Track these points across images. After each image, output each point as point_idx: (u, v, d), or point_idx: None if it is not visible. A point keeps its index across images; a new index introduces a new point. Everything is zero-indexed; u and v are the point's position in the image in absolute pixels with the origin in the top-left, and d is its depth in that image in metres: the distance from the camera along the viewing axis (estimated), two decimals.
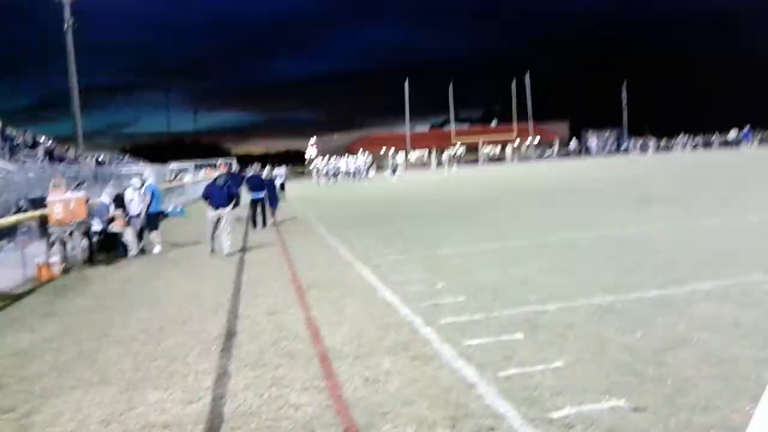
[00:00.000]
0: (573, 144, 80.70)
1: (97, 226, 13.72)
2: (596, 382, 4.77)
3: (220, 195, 13.33)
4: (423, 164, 76.35)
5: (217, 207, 13.22)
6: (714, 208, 15.00)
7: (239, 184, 18.33)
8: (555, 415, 4.26)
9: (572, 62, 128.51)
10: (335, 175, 51.43)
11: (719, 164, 36.95)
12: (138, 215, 14.29)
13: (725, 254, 9.29)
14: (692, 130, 77.42)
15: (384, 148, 75.28)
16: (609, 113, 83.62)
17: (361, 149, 68.89)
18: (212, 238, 13.30)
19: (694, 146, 75.27)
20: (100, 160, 38.50)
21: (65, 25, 38.82)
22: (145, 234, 14.60)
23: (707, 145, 74.01)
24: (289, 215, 21.60)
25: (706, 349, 5.29)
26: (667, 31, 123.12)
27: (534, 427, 4.10)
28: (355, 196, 32.07)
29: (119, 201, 14.45)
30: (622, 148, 78.10)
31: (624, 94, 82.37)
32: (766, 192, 18.49)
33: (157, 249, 14.32)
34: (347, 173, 51.88)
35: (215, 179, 13.74)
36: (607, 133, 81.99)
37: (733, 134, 70.86)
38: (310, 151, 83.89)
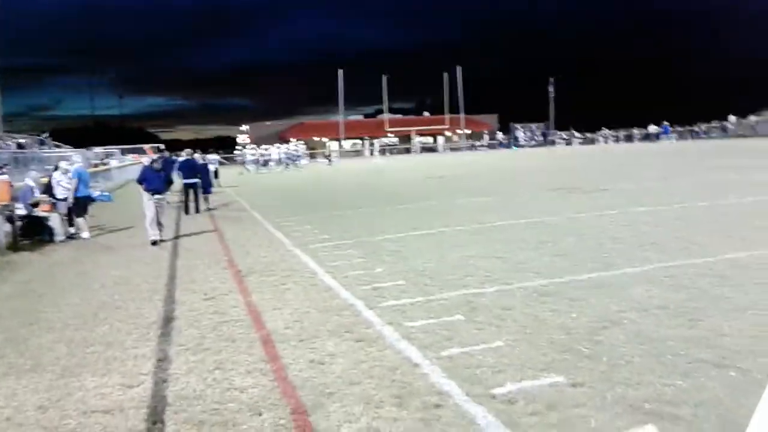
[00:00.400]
0: (501, 135, 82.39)
1: (21, 210, 13.15)
2: (535, 361, 4.96)
3: (157, 180, 12.75)
4: (356, 152, 76.37)
5: (154, 193, 12.54)
6: (638, 197, 15.66)
7: (171, 170, 17.97)
8: (497, 391, 4.41)
9: (503, 58, 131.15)
10: (266, 163, 49.69)
11: (640, 155, 38.50)
12: (65, 199, 13.75)
13: (651, 240, 9.74)
14: (615, 125, 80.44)
15: (317, 136, 74.91)
16: (536, 108, 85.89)
17: (293, 138, 68.27)
18: (153, 225, 12.50)
19: (616, 139, 78.15)
20: (21, 143, 36.70)
21: None
22: (81, 220, 14.04)
23: (628, 138, 77.00)
24: (223, 202, 21.27)
25: (637, 329, 5.56)
26: (595, 30, 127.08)
27: (478, 403, 4.22)
28: (288, 183, 31.79)
29: (47, 185, 13.94)
30: (548, 140, 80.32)
31: (551, 90, 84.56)
32: (687, 181, 19.42)
33: (85, 234, 13.83)
34: (279, 161, 50.52)
35: (152, 163, 13.29)
36: (534, 126, 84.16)
37: (652, 129, 74.03)
38: (242, 139, 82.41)
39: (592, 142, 78.56)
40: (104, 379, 5.08)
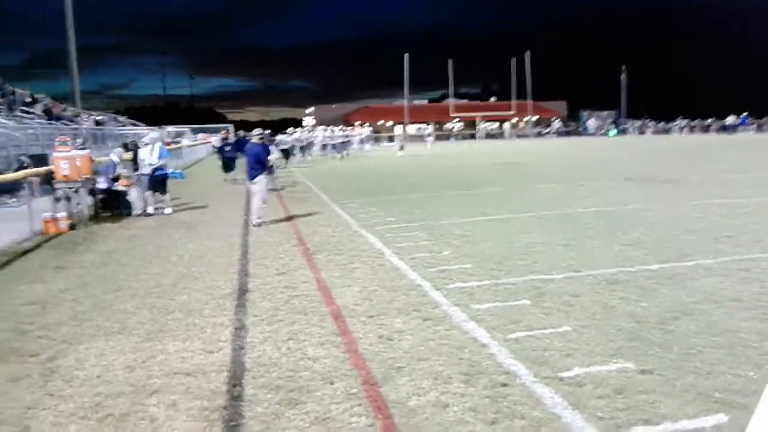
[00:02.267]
0: (558, 124, 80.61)
1: (102, 184, 13.80)
2: (603, 346, 4.97)
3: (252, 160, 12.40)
4: (421, 137, 76.27)
5: (252, 177, 12.27)
6: (713, 189, 15.18)
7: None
8: (565, 374, 4.45)
9: (574, 42, 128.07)
10: (303, 149, 37.15)
11: (717, 147, 37.11)
12: (149, 175, 14.34)
13: (726, 233, 9.47)
14: (690, 114, 77.59)
15: (382, 120, 75.16)
16: (608, 95, 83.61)
17: (358, 121, 68.71)
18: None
19: (691, 129, 75.45)
20: (98, 120, 38.30)
21: None
22: (149, 195, 14.56)
23: (705, 129, 74.18)
24: (290, 181, 21.71)
25: (709, 320, 5.49)
26: (670, 15, 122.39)
27: (545, 385, 4.29)
28: (353, 166, 32.11)
29: (134, 161, 14.68)
30: (620, 128, 78.17)
31: (624, 77, 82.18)
32: (764, 174, 18.68)
33: (168, 210, 14.37)
34: (324, 146, 40.60)
35: (246, 142, 13.71)
36: (605, 114, 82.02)
37: (731, 120, 71.02)
38: (308, 121, 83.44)
39: (666, 131, 76.01)
40: (185, 344, 5.37)
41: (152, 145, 14.45)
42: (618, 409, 3.89)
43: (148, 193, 14.38)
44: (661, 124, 78.73)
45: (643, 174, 20.11)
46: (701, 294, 6.31)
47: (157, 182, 14.41)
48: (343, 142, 41.26)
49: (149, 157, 14.34)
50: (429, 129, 61.59)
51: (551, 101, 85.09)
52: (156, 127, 34.20)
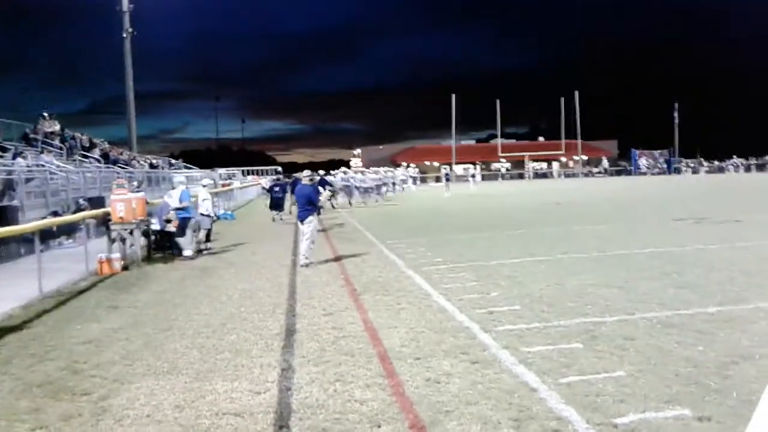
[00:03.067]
0: (606, 163, 79.42)
1: (155, 225, 14.15)
2: (659, 392, 4.79)
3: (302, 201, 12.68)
4: (466, 178, 76.21)
5: (302, 218, 12.52)
6: None
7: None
8: (619, 420, 4.30)
9: (623, 80, 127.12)
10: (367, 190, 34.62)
11: None
12: (208, 215, 14.73)
13: None
14: (745, 152, 75.70)
15: (429, 161, 75.47)
16: (659, 133, 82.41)
17: (405, 162, 69.20)
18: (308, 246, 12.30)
19: (747, 168, 73.48)
20: (153, 163, 39.51)
21: (124, 33, 40.15)
22: (199, 235, 14.85)
23: (760, 167, 72.16)
24: (336, 222, 21.88)
25: None
26: (720, 52, 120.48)
27: (598, 431, 4.14)
28: (400, 207, 32.20)
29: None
30: (673, 167, 76.67)
31: (676, 114, 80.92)
32: None
33: (187, 252, 14.03)
34: (365, 190, 34.51)
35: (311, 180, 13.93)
36: (657, 153, 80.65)
37: None
38: (355, 162, 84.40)
39: (720, 170, 74.25)
40: (234, 384, 5.39)
41: (177, 189, 14.62)
42: None
43: (184, 239, 14.16)
44: (715, 163, 77.03)
45: (698, 213, 19.59)
46: (761, 338, 6.05)
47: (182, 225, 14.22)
48: (378, 185, 36.51)
49: (171, 200, 14.49)
50: (473, 170, 61.48)
51: (601, 140, 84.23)
52: (209, 170, 35.11)
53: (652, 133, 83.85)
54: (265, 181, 28.93)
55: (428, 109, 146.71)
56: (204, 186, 16.46)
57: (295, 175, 30.51)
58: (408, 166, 64.06)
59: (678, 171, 75.19)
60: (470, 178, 56.15)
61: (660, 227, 16.40)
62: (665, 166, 78.43)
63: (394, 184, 42.12)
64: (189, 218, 14.27)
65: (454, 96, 73.96)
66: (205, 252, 14.58)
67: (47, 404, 5.10)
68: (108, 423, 4.64)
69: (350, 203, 32.24)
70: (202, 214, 14.99)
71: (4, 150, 21.10)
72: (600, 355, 5.77)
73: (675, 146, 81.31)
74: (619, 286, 8.82)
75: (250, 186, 46.88)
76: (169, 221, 14.48)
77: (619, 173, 76.94)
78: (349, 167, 65.18)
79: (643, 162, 79.23)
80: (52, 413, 4.89)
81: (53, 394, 5.35)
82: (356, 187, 34.23)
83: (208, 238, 15.31)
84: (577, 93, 75.20)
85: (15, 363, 6.37)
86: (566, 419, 4.36)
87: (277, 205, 23.81)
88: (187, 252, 13.90)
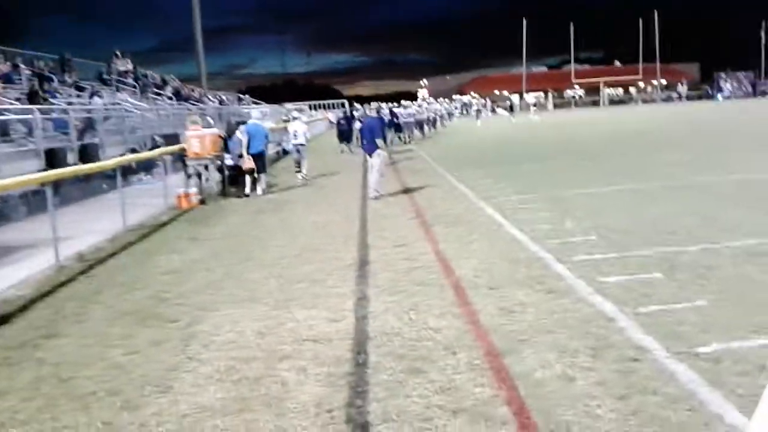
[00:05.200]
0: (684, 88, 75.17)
1: (229, 161, 14.44)
2: (743, 321, 4.63)
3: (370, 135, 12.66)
4: (541, 105, 74.12)
5: (370, 151, 12.56)
6: None
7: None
8: (701, 350, 4.20)
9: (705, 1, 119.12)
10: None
11: None
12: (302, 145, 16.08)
13: None
14: None
15: (499, 90, 73.65)
16: (745, 54, 77.29)
17: (473, 91, 67.79)
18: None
19: None
20: (222, 99, 40.12)
21: None
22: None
23: None
24: (405, 152, 21.81)
25: None
26: None
27: (679, 361, 4.06)
28: (469, 136, 31.74)
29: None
30: (759, 90, 72.25)
31: (763, 34, 75.59)
32: None
33: (258, 190, 14.16)
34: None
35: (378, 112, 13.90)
36: (742, 75, 75.99)
37: None
38: (422, 93, 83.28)
39: None
40: (312, 312, 5.55)
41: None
42: (761, 386, 3.61)
43: (260, 175, 14.34)
44: None
45: None
46: None
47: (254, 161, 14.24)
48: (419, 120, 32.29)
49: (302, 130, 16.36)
50: (533, 99, 58.91)
51: (682, 63, 79.84)
52: (276, 105, 35.32)
53: (738, 54, 78.71)
54: (332, 115, 29.08)
55: (498, 37, 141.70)
56: (296, 118, 18.27)
57: (356, 110, 30.05)
58: (473, 96, 62.57)
59: (764, 94, 70.81)
60: (532, 108, 53.71)
61: (744, 154, 15.59)
62: (751, 89, 73.96)
63: (435, 118, 36.92)
64: (263, 153, 14.48)
65: (524, 21, 71.26)
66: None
67: (137, 330, 5.39)
68: (195, 348, 4.88)
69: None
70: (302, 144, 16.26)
71: (81, 89, 21.81)
72: (681, 284, 5.62)
73: (761, 68, 76.35)
74: (703, 215, 8.50)
75: (318, 120, 47.06)
76: (241, 156, 14.71)
77: (700, 98, 73.12)
78: (415, 99, 64.22)
79: (726, 85, 74.94)
80: (143, 339, 5.17)
81: (142, 321, 5.65)
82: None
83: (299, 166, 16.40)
84: (656, 12, 71.08)
85: (105, 292, 6.74)
86: (645, 348, 4.29)
87: (344, 137, 24.10)
88: (259, 190, 14.10)
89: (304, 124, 18.00)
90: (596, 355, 4.25)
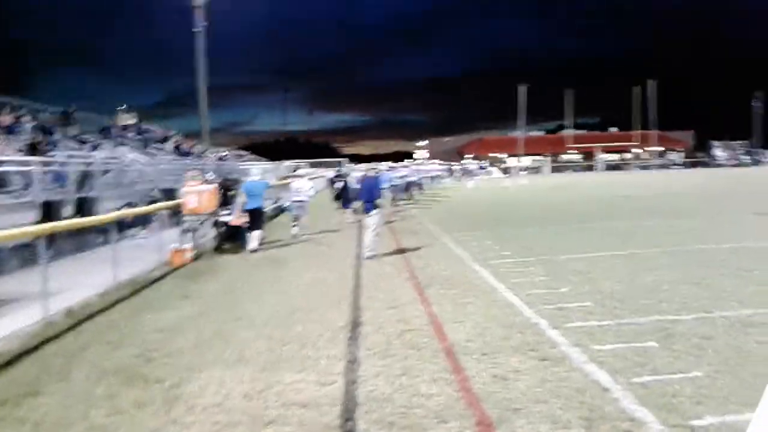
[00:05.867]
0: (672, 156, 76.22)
1: (225, 217, 14.45)
2: (739, 394, 4.56)
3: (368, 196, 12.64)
4: (536, 169, 74.94)
5: (367, 210, 12.61)
6: None
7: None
8: (696, 423, 4.12)
9: (700, 69, 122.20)
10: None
11: None
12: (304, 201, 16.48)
13: None
14: None
15: (496, 152, 74.54)
16: (739, 123, 78.77)
17: (471, 153, 68.58)
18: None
19: None
20: (222, 155, 40.49)
21: (197, 27, 41.06)
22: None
23: None
24: (400, 215, 21.87)
25: None
26: None
27: None
28: (466, 198, 31.91)
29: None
30: (753, 159, 73.25)
31: (755, 103, 77.16)
32: None
33: (253, 245, 14.07)
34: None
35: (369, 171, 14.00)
36: (736, 144, 77.20)
37: None
38: (420, 154, 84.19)
39: None
40: (301, 375, 5.43)
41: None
42: None
43: (256, 232, 14.31)
44: None
45: None
46: None
47: (250, 217, 14.33)
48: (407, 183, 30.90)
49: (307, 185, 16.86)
50: (521, 164, 57.74)
51: (677, 131, 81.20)
52: (277, 162, 35.63)
53: (732, 123, 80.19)
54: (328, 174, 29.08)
55: (496, 100, 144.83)
56: (300, 176, 19.27)
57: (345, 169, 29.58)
58: (471, 158, 63.29)
59: (758, 162, 71.77)
60: (520, 172, 51.53)
61: (739, 221, 15.66)
62: (745, 157, 75.00)
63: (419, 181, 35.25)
64: (261, 209, 14.56)
65: (521, 87, 72.71)
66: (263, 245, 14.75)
67: (121, 390, 5.27)
68: (179, 411, 4.75)
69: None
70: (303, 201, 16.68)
71: (83, 142, 22.00)
72: (676, 354, 5.54)
73: (755, 137, 77.59)
74: (696, 283, 8.46)
75: (316, 178, 47.31)
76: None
77: (695, 165, 74.05)
78: (413, 159, 64.77)
79: (721, 153, 76.04)
80: (126, 399, 5.04)
81: (127, 380, 5.52)
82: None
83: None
84: (651, 82, 72.70)
85: (91, 350, 6.62)
86: (640, 420, 4.20)
87: (339, 196, 24.24)
88: (255, 245, 14.04)
89: (310, 180, 18.96)
90: (590, 426, 4.15)
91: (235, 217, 14.23)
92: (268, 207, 16.47)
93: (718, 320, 6.57)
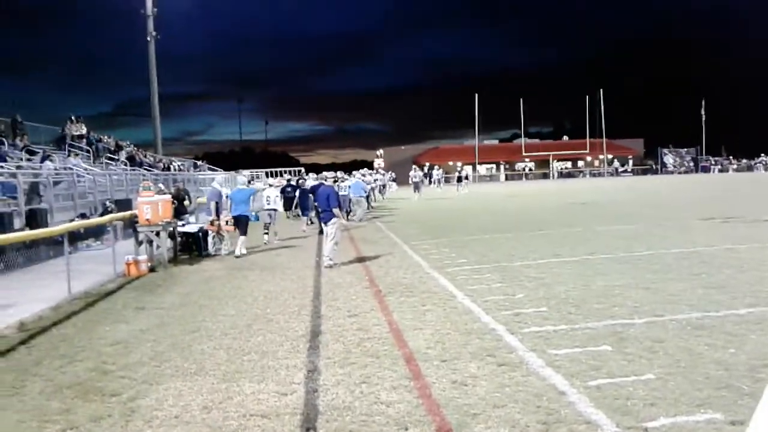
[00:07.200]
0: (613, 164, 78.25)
1: (182, 228, 14.28)
2: (690, 395, 4.71)
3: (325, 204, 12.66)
4: (491, 177, 75.95)
5: (326, 220, 12.68)
6: None
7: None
8: (650, 424, 4.24)
9: (649, 78, 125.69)
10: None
11: None
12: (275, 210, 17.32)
13: None
14: None
15: (452, 161, 75.26)
16: (686, 131, 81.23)
17: (428, 162, 69.09)
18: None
19: None
20: (178, 165, 39.89)
21: (148, 37, 40.52)
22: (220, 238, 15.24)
23: None
24: (360, 222, 21.90)
25: None
26: (749, 48, 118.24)
27: None
28: (425, 207, 32.12)
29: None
30: (700, 166, 75.64)
31: (703, 112, 79.76)
32: None
33: (242, 251, 14.43)
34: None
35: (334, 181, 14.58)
36: (683, 152, 79.63)
37: None
38: (378, 163, 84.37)
39: (749, 168, 73.08)
40: (260, 385, 5.41)
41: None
42: None
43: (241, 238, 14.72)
44: (744, 161, 75.84)
45: (727, 213, 19.28)
46: None
47: (236, 224, 15.04)
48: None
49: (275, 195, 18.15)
50: (465, 171, 56.05)
51: (628, 139, 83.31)
52: (234, 172, 35.24)
53: (679, 131, 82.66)
54: (277, 182, 28.12)
55: (451, 109, 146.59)
56: (270, 185, 20.87)
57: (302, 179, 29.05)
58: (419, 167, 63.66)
59: (706, 169, 74.14)
60: (465, 181, 48.23)
61: (687, 227, 16.15)
62: (692, 164, 77.40)
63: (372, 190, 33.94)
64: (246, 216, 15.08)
65: (476, 95, 73.72)
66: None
67: (77, 405, 5.17)
68: (137, 424, 4.68)
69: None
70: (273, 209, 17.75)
71: (33, 153, 21.44)
72: (629, 357, 5.70)
73: (702, 144, 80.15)
74: (647, 287, 8.71)
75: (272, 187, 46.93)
76: (212, 223, 14.93)
77: (645, 172, 76.06)
78: (372, 168, 64.65)
79: (669, 160, 78.33)
80: (82, 414, 4.95)
81: (83, 394, 5.42)
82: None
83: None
84: (601, 91, 74.53)
85: (45, 364, 6.47)
86: (595, 423, 4.31)
87: (289, 204, 24.29)
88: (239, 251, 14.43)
89: (277, 189, 20.84)
90: (547, 430, 4.25)
91: (222, 224, 15.24)
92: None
93: (669, 323, 6.78)
